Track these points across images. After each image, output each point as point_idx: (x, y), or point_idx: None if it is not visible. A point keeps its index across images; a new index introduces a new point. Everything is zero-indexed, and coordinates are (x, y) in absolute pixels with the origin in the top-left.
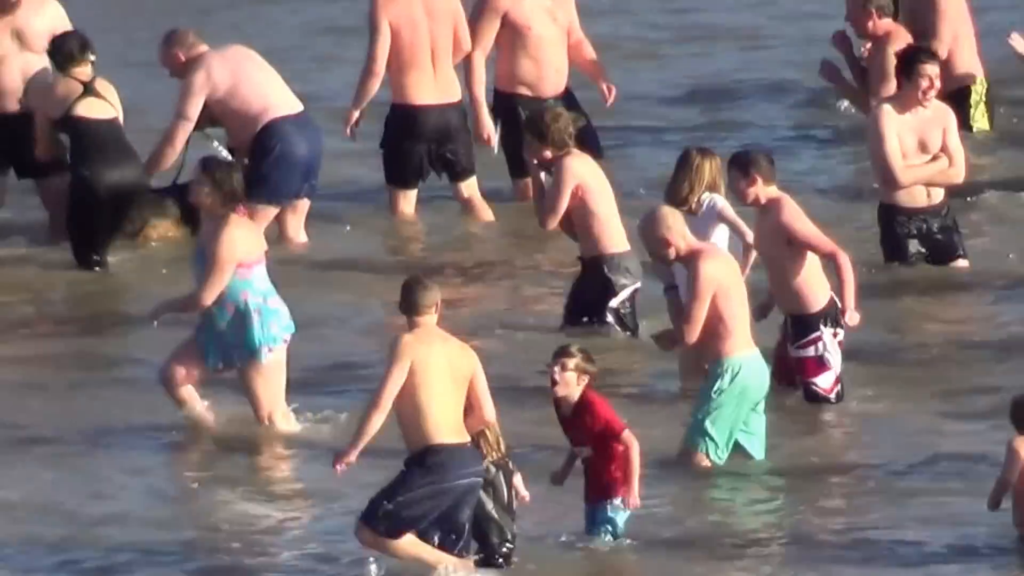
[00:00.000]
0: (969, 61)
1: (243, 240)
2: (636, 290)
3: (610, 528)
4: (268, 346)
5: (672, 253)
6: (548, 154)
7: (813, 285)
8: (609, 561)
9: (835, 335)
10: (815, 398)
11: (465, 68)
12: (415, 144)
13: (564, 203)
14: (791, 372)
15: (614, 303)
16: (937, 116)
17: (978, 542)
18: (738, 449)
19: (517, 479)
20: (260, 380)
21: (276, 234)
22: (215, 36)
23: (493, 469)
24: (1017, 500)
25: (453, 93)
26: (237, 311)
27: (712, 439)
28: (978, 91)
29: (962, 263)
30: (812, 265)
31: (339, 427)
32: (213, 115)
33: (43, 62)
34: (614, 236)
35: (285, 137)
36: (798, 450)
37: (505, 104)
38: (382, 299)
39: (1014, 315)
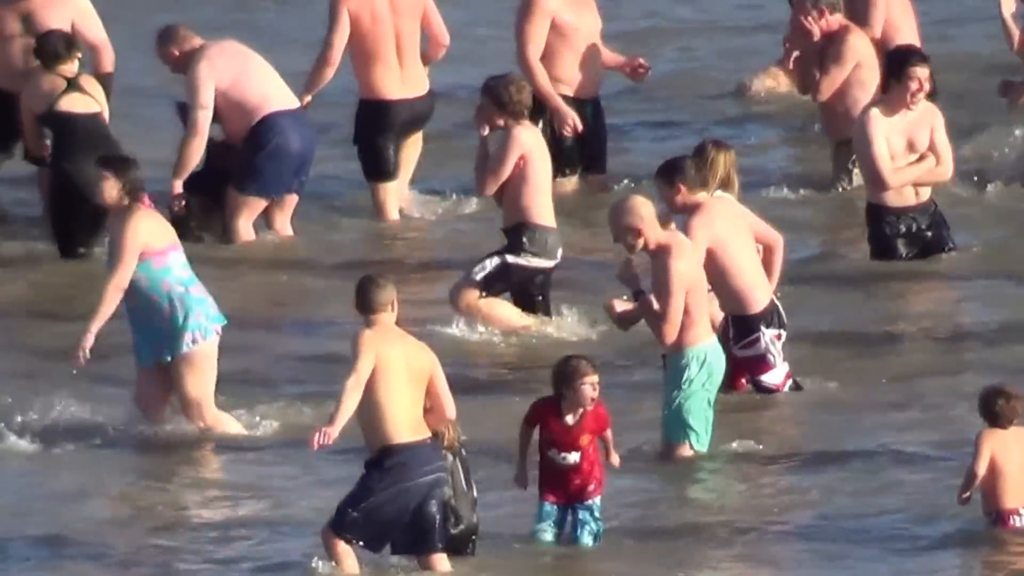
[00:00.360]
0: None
1: (148, 228)
2: (543, 269)
3: (593, 528)
4: (194, 333)
5: (640, 244)
6: (501, 122)
7: (752, 286)
8: (594, 558)
9: (778, 337)
10: (768, 392)
11: (524, 70)
12: (387, 138)
13: (507, 171)
14: (731, 372)
15: (511, 258)
16: (924, 116)
17: (948, 529)
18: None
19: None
20: (191, 375)
21: (262, 228)
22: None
23: (450, 457)
24: (986, 491)
25: (421, 87)
26: (161, 302)
27: (692, 428)
28: None
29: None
30: (751, 266)
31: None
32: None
33: None
34: (541, 209)
35: (282, 131)
36: (773, 440)
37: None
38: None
39: (976, 306)
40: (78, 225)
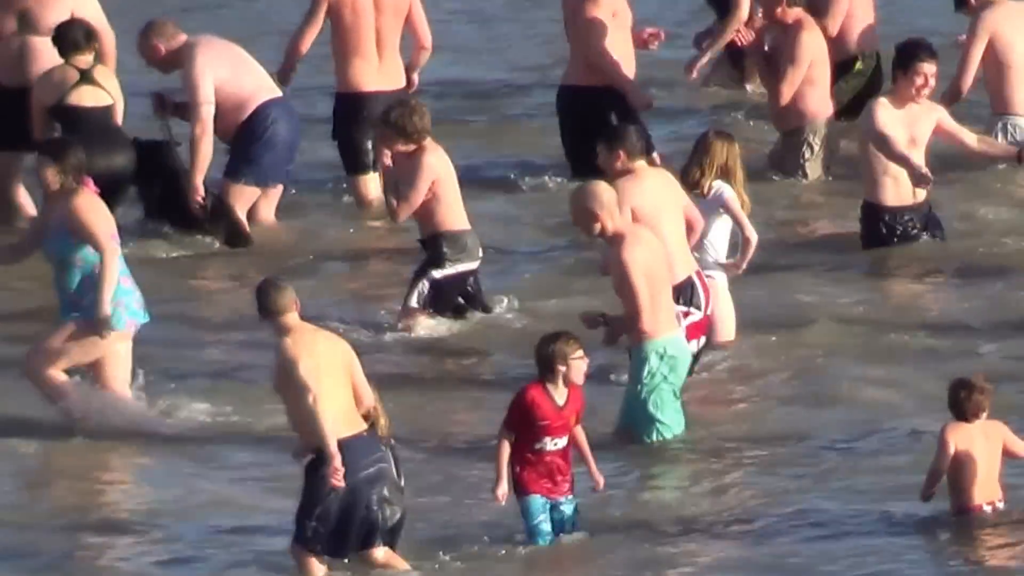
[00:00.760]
0: (859, 37)
1: (101, 210)
2: (470, 271)
3: (576, 521)
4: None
5: (598, 229)
6: (402, 147)
7: (671, 259)
8: (572, 553)
9: (685, 314)
10: None
11: (599, 61)
12: (363, 131)
13: (421, 198)
14: None
15: (438, 274)
16: (926, 111)
17: (915, 522)
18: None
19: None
20: (77, 337)
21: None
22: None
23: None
24: (951, 488)
25: (398, 80)
26: (91, 279)
27: (662, 422)
28: (856, 67)
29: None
30: (673, 239)
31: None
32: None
33: (47, 46)
34: (455, 216)
35: (275, 120)
36: (748, 431)
37: (591, 99)
38: (343, 288)
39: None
40: None
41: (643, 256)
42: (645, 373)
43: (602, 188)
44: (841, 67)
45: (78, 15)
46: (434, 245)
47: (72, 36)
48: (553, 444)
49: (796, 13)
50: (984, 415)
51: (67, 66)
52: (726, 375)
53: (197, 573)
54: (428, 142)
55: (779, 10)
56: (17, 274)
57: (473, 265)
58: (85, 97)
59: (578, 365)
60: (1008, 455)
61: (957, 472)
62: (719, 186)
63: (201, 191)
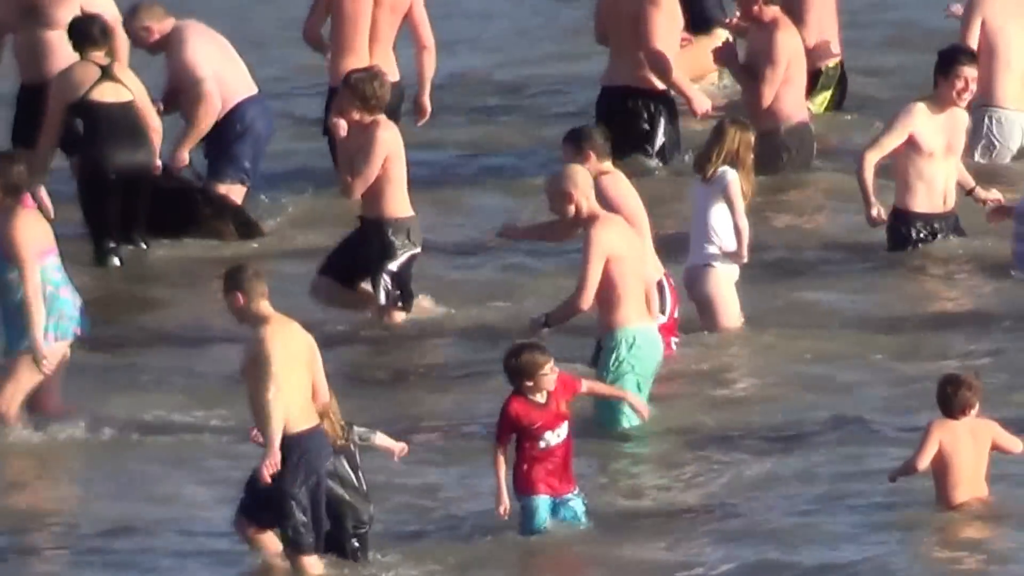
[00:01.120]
0: (826, 45)
1: (33, 229)
2: (414, 256)
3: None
4: (55, 332)
5: (571, 211)
6: (358, 117)
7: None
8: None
9: None
10: None
11: (661, 65)
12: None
13: (375, 173)
14: None
15: (393, 266)
16: (962, 120)
17: (904, 514)
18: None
19: (381, 438)
20: (27, 371)
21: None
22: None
23: (335, 455)
24: (937, 486)
25: (389, 74)
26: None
27: (623, 412)
28: (829, 75)
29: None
30: (648, 241)
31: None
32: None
33: (61, 40)
34: (400, 201)
35: (255, 117)
36: (742, 422)
37: (639, 101)
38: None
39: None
40: (109, 216)
41: (612, 240)
42: (612, 360)
43: (578, 170)
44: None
45: (88, 10)
46: (378, 232)
47: (89, 31)
48: (556, 437)
49: (773, 12)
50: (973, 412)
51: (87, 62)
52: (721, 367)
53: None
54: (383, 118)
55: (756, 8)
56: None
57: (418, 250)
58: (107, 93)
59: (545, 380)
60: (1001, 452)
61: (943, 469)
62: (723, 170)
63: (185, 159)
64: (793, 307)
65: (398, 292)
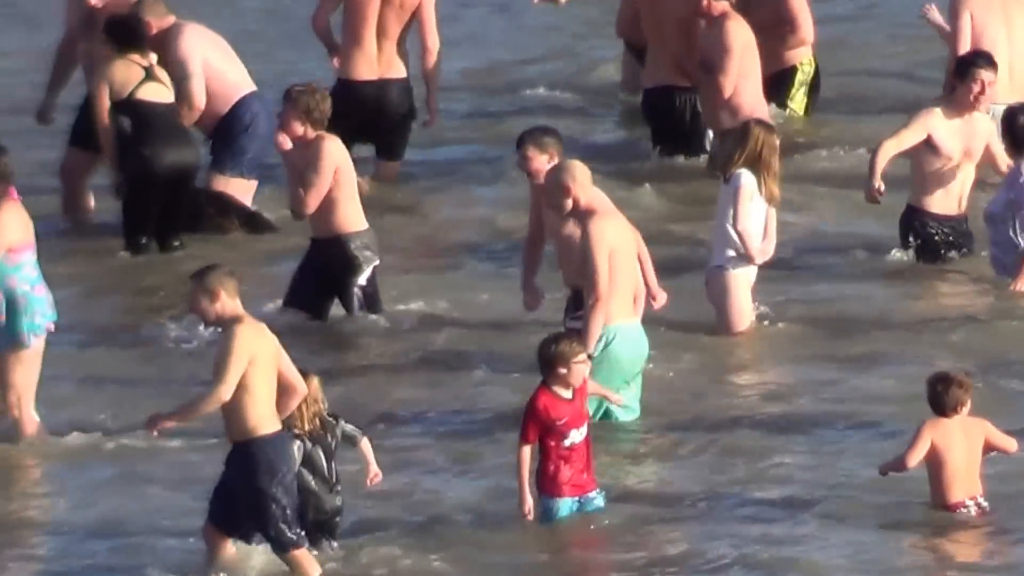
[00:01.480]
0: (799, 43)
1: (15, 224)
2: (375, 267)
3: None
4: (33, 334)
5: (569, 204)
6: (302, 131)
7: None
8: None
9: None
10: None
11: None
12: (343, 113)
13: (327, 184)
14: None
15: (361, 280)
16: (983, 126)
17: (897, 512)
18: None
19: (365, 446)
20: (19, 368)
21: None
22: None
23: (309, 443)
24: (932, 485)
25: (394, 71)
26: (4, 297)
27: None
28: (805, 71)
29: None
30: None
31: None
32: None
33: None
34: (355, 214)
35: (258, 112)
36: (740, 419)
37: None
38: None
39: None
40: (150, 214)
41: (611, 234)
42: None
43: (576, 164)
44: (786, 75)
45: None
46: (341, 250)
47: (129, 31)
48: (579, 434)
49: (722, 6)
50: (964, 410)
51: (128, 62)
52: (726, 366)
53: None
54: (326, 133)
55: (705, 2)
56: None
57: (377, 261)
58: (152, 93)
59: (579, 369)
60: (996, 451)
61: (936, 468)
62: (738, 172)
63: None
64: (798, 304)
65: (371, 304)
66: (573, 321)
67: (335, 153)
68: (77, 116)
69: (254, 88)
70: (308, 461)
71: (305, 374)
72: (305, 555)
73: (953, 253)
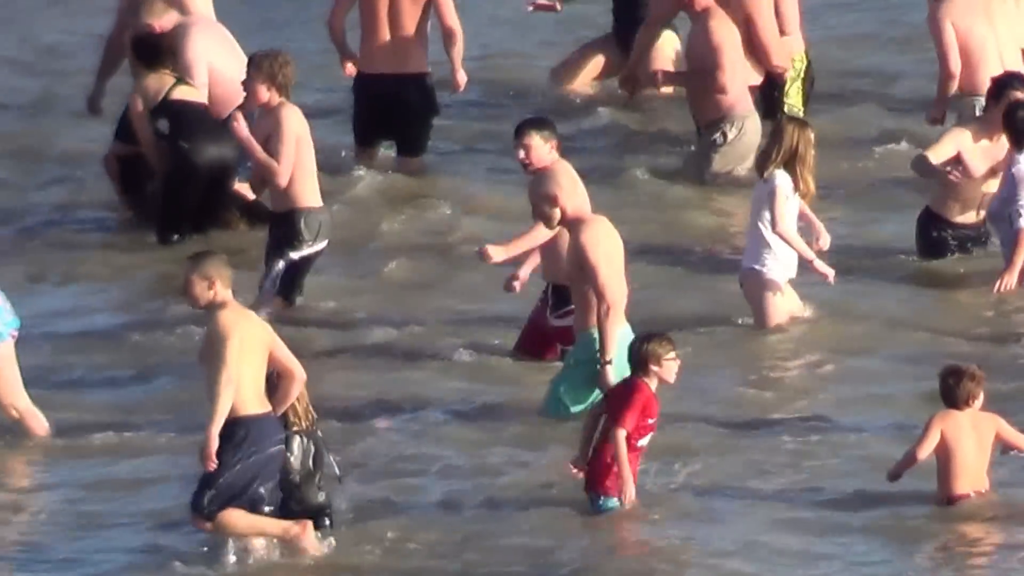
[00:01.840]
0: (790, 38)
1: None
2: (320, 252)
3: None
4: None
5: (557, 214)
6: (266, 98)
7: None
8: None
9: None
10: None
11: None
12: (362, 108)
13: (293, 151)
14: (542, 341)
15: (294, 255)
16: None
17: (904, 506)
18: None
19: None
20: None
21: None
22: None
23: (303, 439)
24: (939, 477)
25: (408, 65)
26: None
27: (565, 405)
28: (796, 68)
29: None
30: None
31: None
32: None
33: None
34: (311, 190)
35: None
36: (749, 417)
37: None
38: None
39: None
40: (187, 208)
41: (604, 241)
42: (573, 360)
43: (560, 170)
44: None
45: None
46: (290, 222)
47: (157, 49)
48: (647, 440)
49: (705, 2)
50: (976, 403)
51: (159, 74)
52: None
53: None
54: (288, 102)
55: None
56: None
57: (324, 245)
58: (185, 93)
59: (670, 366)
60: (1009, 447)
61: (944, 460)
62: (774, 173)
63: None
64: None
65: (286, 287)
66: (559, 319)
67: (294, 122)
68: (123, 112)
69: None
70: (303, 455)
71: None
72: (230, 515)
73: (965, 254)
